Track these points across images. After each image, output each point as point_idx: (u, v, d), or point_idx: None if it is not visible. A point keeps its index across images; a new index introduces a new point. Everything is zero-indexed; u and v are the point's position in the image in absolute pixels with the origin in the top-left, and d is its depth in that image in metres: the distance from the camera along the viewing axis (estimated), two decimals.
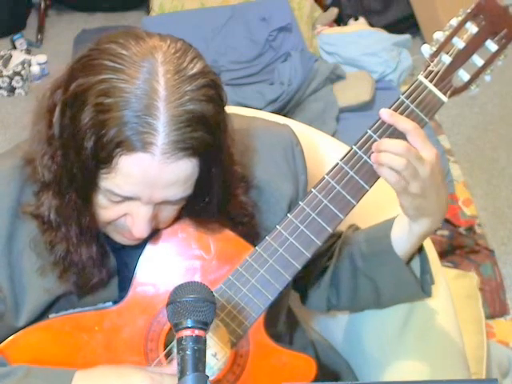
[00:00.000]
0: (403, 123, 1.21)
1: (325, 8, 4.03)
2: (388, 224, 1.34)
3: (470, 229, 2.89)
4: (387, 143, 1.20)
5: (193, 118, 1.09)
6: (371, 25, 3.90)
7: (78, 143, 1.10)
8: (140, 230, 1.17)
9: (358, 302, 1.46)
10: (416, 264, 1.35)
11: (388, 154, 1.19)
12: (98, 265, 1.23)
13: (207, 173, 1.15)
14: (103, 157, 1.09)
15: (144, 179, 1.10)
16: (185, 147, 1.09)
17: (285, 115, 2.88)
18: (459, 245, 2.80)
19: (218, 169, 1.17)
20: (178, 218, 1.25)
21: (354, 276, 1.40)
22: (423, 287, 1.36)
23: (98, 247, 1.22)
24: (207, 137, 1.11)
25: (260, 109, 3.00)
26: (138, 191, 1.12)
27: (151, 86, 1.07)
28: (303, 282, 1.45)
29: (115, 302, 1.26)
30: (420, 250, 1.35)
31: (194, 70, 1.11)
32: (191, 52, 1.13)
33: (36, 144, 1.19)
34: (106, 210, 1.17)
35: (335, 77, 3.44)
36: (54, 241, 1.21)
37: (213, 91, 1.12)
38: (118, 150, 1.08)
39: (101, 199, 1.16)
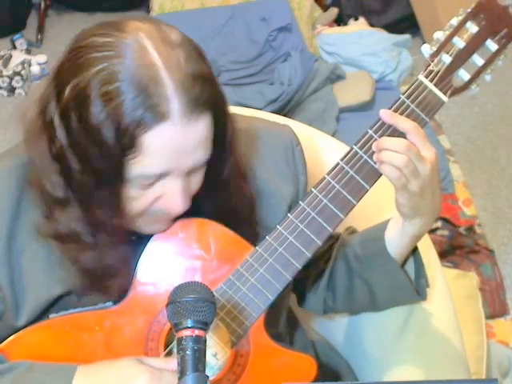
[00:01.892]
0: (403, 123, 1.22)
1: (325, 8, 4.03)
2: (382, 226, 1.34)
3: (470, 229, 2.89)
4: (388, 141, 1.21)
5: (194, 77, 1.10)
6: (371, 25, 3.90)
7: (96, 140, 1.09)
8: (178, 204, 1.17)
9: (354, 305, 1.46)
10: (410, 267, 1.35)
11: (388, 151, 1.20)
12: (130, 265, 1.23)
13: (219, 131, 1.16)
14: (127, 142, 1.09)
15: (171, 149, 1.11)
16: (198, 105, 1.10)
17: (285, 115, 2.88)
18: (459, 245, 2.80)
19: (226, 129, 1.19)
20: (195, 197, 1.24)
21: (349, 278, 1.40)
22: (418, 290, 1.36)
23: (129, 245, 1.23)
24: (212, 90, 1.13)
25: (260, 109, 3.01)
26: (169, 164, 1.12)
27: (146, 59, 1.09)
28: (301, 284, 1.45)
29: (115, 302, 1.26)
30: (414, 253, 1.35)
31: (178, 39, 1.13)
32: (165, 25, 1.15)
33: (40, 168, 1.18)
34: (138, 200, 1.16)
35: (335, 77, 3.44)
36: (80, 254, 1.20)
37: (200, 51, 1.15)
38: (138, 130, 1.08)
39: (131, 191, 1.15)
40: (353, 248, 1.39)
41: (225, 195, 1.27)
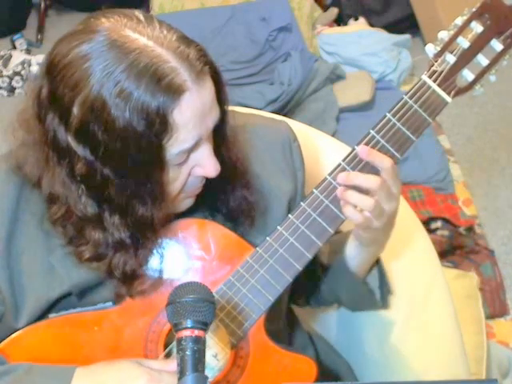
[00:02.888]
0: (380, 161, 1.22)
1: (325, 8, 4.03)
2: (343, 239, 1.36)
3: (470, 229, 2.89)
4: (361, 177, 1.21)
5: (183, 40, 1.13)
6: (371, 25, 3.90)
7: (130, 138, 1.10)
8: (214, 165, 1.18)
9: (325, 305, 1.52)
10: (374, 277, 1.37)
11: (356, 194, 1.20)
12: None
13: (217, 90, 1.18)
14: (159, 127, 1.10)
15: (197, 116, 1.13)
16: (199, 64, 1.12)
17: (285, 115, 2.88)
18: (459, 245, 2.80)
19: (222, 87, 1.20)
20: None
21: (317, 284, 1.43)
22: (382, 299, 1.39)
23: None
24: (198, 45, 1.15)
25: (260, 109, 3.00)
26: (199, 130, 1.14)
27: (138, 46, 1.09)
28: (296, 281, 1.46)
29: (115, 303, 1.26)
30: (378, 262, 1.37)
31: (143, 16, 1.14)
32: (124, 10, 1.16)
33: (63, 195, 1.17)
34: (178, 179, 1.18)
35: (335, 77, 3.44)
36: (123, 260, 1.20)
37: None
38: (166, 111, 1.09)
39: (170, 173, 1.16)
40: (322, 256, 1.41)
41: (226, 194, 1.28)
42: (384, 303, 1.40)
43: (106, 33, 1.10)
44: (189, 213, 1.28)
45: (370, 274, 1.37)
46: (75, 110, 1.10)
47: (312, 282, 1.44)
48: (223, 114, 1.21)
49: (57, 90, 1.12)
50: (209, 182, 1.23)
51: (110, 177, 1.13)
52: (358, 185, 1.21)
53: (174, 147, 1.13)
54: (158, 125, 1.10)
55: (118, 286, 1.23)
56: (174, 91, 1.09)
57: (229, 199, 1.28)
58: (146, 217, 1.17)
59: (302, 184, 1.39)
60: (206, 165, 1.18)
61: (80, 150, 1.13)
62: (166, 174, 1.16)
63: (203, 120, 1.14)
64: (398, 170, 1.23)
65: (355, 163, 1.24)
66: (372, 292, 1.38)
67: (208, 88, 1.14)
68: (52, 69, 1.13)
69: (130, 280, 1.22)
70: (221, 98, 1.19)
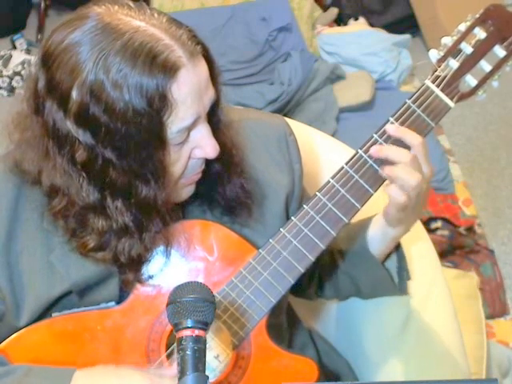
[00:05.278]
0: (410, 137, 1.22)
1: (325, 8, 4.02)
2: (365, 224, 1.36)
3: (470, 229, 2.89)
4: (393, 149, 1.22)
5: (174, 21, 1.16)
6: (371, 25, 3.90)
7: (131, 117, 1.10)
8: (213, 146, 1.19)
9: (341, 294, 1.50)
10: (393, 262, 1.37)
11: (406, 167, 1.20)
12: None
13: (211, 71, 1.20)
14: (159, 103, 1.11)
15: (193, 92, 1.14)
16: (192, 42, 1.14)
17: (285, 115, 2.88)
18: (459, 245, 2.80)
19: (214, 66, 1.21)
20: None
21: (334, 271, 1.43)
22: (400, 283, 1.38)
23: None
24: (187, 26, 1.17)
25: (260, 109, 3.01)
26: (196, 107, 1.15)
27: (131, 27, 1.11)
28: None
29: (118, 302, 1.26)
30: (397, 247, 1.37)
31: (132, 5, 1.16)
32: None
33: (65, 184, 1.17)
34: (179, 160, 1.19)
35: (335, 77, 3.44)
36: (128, 245, 1.20)
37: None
38: (164, 87, 1.10)
39: (172, 153, 1.17)
40: (337, 243, 1.40)
41: (224, 184, 1.28)
42: (401, 289, 1.39)
43: (98, 17, 1.12)
44: (189, 207, 1.28)
45: (389, 259, 1.37)
46: (74, 94, 1.11)
47: (329, 270, 1.44)
48: (217, 96, 1.21)
49: (54, 77, 1.13)
50: (207, 170, 1.24)
51: (112, 159, 1.14)
52: (390, 157, 1.21)
53: (174, 124, 1.14)
54: (158, 102, 1.11)
55: (125, 272, 1.23)
56: (171, 67, 1.11)
57: (226, 189, 1.28)
58: (149, 198, 1.17)
59: (300, 177, 1.39)
60: (206, 145, 1.19)
61: (80, 134, 1.13)
62: (167, 154, 1.16)
63: (200, 97, 1.15)
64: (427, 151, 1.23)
65: (358, 166, 1.24)
66: (392, 277, 1.37)
67: (202, 66, 1.15)
68: (48, 58, 1.13)
69: (137, 265, 1.23)
70: (214, 78, 1.20)
